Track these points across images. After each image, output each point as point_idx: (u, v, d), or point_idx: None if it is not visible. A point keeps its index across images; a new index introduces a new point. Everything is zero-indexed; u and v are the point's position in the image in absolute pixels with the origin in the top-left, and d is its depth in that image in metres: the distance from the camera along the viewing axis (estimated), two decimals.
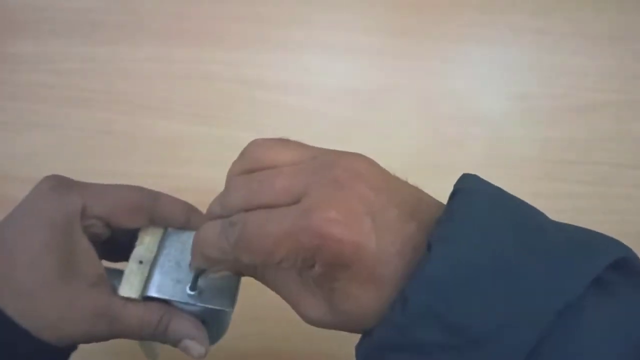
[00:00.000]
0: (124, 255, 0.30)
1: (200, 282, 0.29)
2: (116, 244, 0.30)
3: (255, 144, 0.24)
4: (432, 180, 0.57)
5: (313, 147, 0.24)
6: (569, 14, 0.57)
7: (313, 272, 0.21)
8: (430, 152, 0.53)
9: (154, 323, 0.28)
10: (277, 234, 0.21)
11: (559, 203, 0.53)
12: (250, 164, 0.24)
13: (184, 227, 0.30)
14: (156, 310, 0.28)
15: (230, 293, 0.29)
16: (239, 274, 0.27)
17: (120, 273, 0.29)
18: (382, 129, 0.54)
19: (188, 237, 0.30)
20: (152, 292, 0.29)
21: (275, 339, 0.48)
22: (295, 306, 0.24)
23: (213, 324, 0.30)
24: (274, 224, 0.21)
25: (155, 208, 0.30)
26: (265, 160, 0.23)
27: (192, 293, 0.29)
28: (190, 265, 0.28)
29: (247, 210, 0.22)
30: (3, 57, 0.55)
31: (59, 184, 0.28)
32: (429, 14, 0.57)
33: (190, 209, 0.31)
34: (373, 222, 0.21)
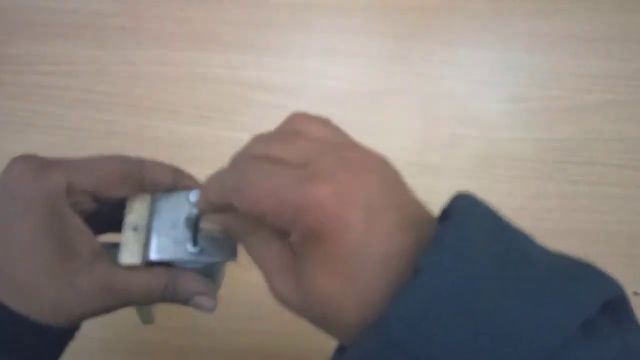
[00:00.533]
0: (111, 226, 0.30)
1: (199, 238, 0.28)
2: (102, 216, 0.29)
3: (298, 114, 0.24)
4: (429, 181, 0.58)
5: (348, 135, 0.24)
6: (565, 15, 0.57)
7: (290, 240, 0.21)
8: (428, 153, 0.54)
9: (161, 286, 0.28)
10: (269, 186, 0.20)
11: (554, 203, 0.54)
12: (286, 129, 0.24)
13: (171, 189, 0.30)
14: (161, 273, 0.28)
15: (231, 243, 0.29)
16: (228, 233, 0.26)
17: (115, 245, 0.29)
18: (380, 130, 0.54)
19: (177, 198, 0.30)
20: (154, 255, 0.28)
21: (277, 337, 0.48)
22: (269, 280, 0.23)
23: (215, 276, 0.31)
24: (271, 176, 0.21)
25: (141, 174, 0.29)
26: (302, 129, 0.23)
27: (193, 250, 0.28)
28: (185, 222, 0.29)
29: (253, 157, 0.22)
30: (7, 58, 0.55)
31: (36, 166, 0.27)
32: (427, 18, 0.57)
33: (175, 170, 0.30)
34: (369, 215, 0.20)
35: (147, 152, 0.53)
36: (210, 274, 0.30)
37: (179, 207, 0.29)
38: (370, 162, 0.21)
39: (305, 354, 0.48)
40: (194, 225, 0.28)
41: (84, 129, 0.54)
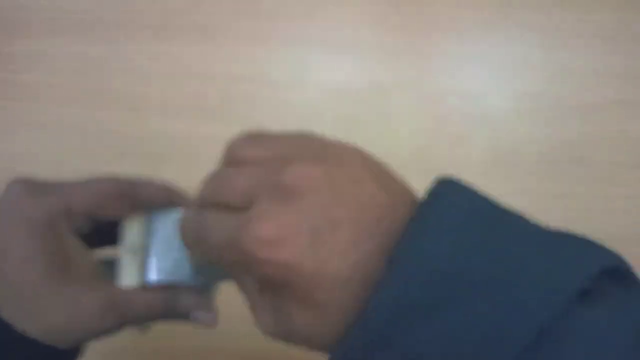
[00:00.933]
0: (103, 242, 0.31)
1: (195, 260, 0.29)
2: (95, 233, 0.30)
3: (232, 141, 0.24)
4: (432, 179, 0.57)
5: (288, 139, 0.23)
6: (575, 13, 0.57)
7: (254, 285, 0.21)
8: (433, 149, 0.54)
9: (161, 305, 0.29)
10: (217, 242, 0.21)
11: (562, 202, 0.53)
12: (227, 160, 0.24)
13: (165, 206, 0.30)
14: (160, 291, 0.29)
15: None
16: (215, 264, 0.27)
17: (112, 262, 0.29)
18: (384, 125, 0.54)
19: (171, 217, 0.30)
20: (153, 277, 0.29)
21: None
22: (252, 313, 0.23)
23: (211, 291, 0.31)
24: (216, 230, 0.21)
25: (135, 194, 0.30)
26: (238, 157, 0.23)
27: (190, 271, 0.29)
28: (181, 242, 0.28)
29: (209, 205, 0.23)
30: (7, 58, 0.55)
31: (34, 189, 0.28)
32: (433, 11, 0.56)
33: (167, 188, 0.31)
34: (316, 242, 0.19)
35: (145, 150, 0.53)
36: (206, 289, 0.31)
37: (174, 227, 0.29)
38: (311, 177, 0.20)
39: (307, 355, 0.48)
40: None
41: (82, 129, 0.53)
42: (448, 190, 0.20)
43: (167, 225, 0.30)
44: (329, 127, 0.54)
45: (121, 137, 0.53)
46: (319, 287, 0.19)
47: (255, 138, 0.23)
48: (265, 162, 0.22)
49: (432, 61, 0.56)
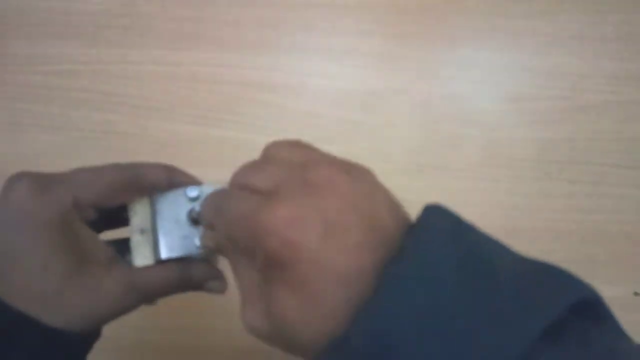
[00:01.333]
0: (109, 225, 0.32)
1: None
2: (102, 219, 0.31)
3: (271, 143, 0.26)
4: (429, 182, 0.58)
5: (321, 151, 0.25)
6: (566, 15, 0.57)
7: (256, 264, 0.22)
8: (428, 153, 0.54)
9: (177, 278, 0.30)
10: (239, 212, 0.22)
11: (555, 203, 0.54)
12: (263, 157, 0.26)
13: (168, 187, 0.31)
14: (174, 266, 0.30)
15: None
16: (219, 251, 0.28)
17: (121, 243, 0.31)
18: (381, 130, 0.54)
19: (175, 196, 0.31)
20: (165, 255, 0.30)
21: None
22: (242, 305, 0.24)
23: (216, 262, 0.33)
24: (238, 204, 0.23)
25: (139, 179, 0.30)
26: (273, 155, 0.25)
27: (199, 244, 0.30)
28: (187, 218, 0.31)
29: (237, 186, 0.24)
30: (7, 58, 0.55)
31: (40, 186, 0.28)
32: (427, 18, 0.57)
33: (169, 169, 0.32)
34: (327, 235, 0.20)
35: (147, 152, 0.53)
36: (213, 260, 0.32)
37: (179, 204, 0.31)
38: (335, 181, 0.21)
39: None
40: (196, 220, 0.30)
41: (84, 129, 0.54)
42: (434, 220, 0.21)
43: (171, 204, 0.31)
44: (328, 131, 0.55)
45: (127, 140, 0.53)
46: (318, 277, 0.20)
47: (292, 143, 0.25)
48: (298, 163, 0.23)
49: (426, 67, 0.56)
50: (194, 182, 0.32)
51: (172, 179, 0.31)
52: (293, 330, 0.21)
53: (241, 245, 0.23)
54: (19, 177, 0.28)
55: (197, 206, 0.31)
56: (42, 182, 0.28)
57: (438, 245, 0.19)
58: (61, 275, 0.27)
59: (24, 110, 0.54)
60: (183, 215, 0.31)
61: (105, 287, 0.28)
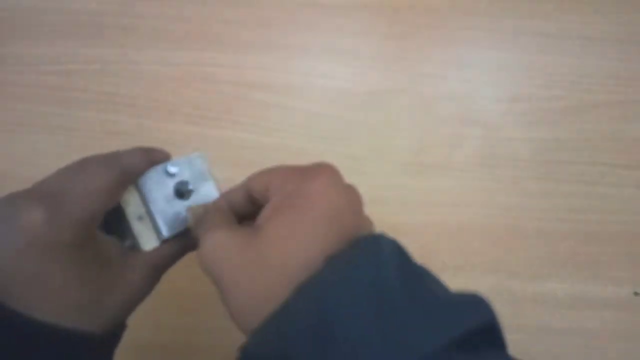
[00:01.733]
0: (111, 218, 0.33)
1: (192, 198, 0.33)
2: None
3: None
4: (429, 182, 0.58)
5: (293, 173, 0.28)
6: (566, 15, 0.57)
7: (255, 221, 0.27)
8: (428, 153, 0.54)
9: (181, 247, 0.33)
10: (265, 173, 0.29)
11: (554, 203, 0.54)
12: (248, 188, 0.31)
13: (149, 168, 0.32)
14: (179, 239, 0.33)
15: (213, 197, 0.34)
16: (196, 224, 0.31)
17: (110, 228, 0.31)
18: (380, 130, 0.54)
19: (157, 175, 0.32)
20: (167, 234, 0.32)
21: None
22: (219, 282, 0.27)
23: None
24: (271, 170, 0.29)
25: (127, 174, 0.30)
26: (255, 187, 0.29)
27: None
28: (175, 193, 0.33)
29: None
30: (7, 58, 0.55)
31: (52, 211, 0.26)
32: (427, 18, 0.57)
33: (147, 151, 0.32)
34: (296, 222, 0.25)
35: None
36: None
37: (164, 184, 0.33)
38: (322, 194, 0.26)
39: None
40: (181, 193, 0.33)
41: (84, 129, 0.54)
42: (363, 247, 0.24)
43: (157, 185, 0.32)
44: (328, 131, 0.55)
45: (127, 140, 0.54)
46: (278, 244, 0.24)
47: (265, 173, 0.30)
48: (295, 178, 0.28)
49: (426, 67, 0.56)
50: (167, 156, 0.33)
51: (152, 160, 0.32)
52: (246, 279, 0.25)
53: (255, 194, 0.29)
54: (26, 203, 0.26)
55: (179, 180, 0.33)
56: (52, 207, 0.26)
57: (357, 267, 0.22)
58: (95, 285, 0.28)
59: (24, 110, 0.54)
60: (170, 192, 0.33)
61: (127, 279, 0.30)
